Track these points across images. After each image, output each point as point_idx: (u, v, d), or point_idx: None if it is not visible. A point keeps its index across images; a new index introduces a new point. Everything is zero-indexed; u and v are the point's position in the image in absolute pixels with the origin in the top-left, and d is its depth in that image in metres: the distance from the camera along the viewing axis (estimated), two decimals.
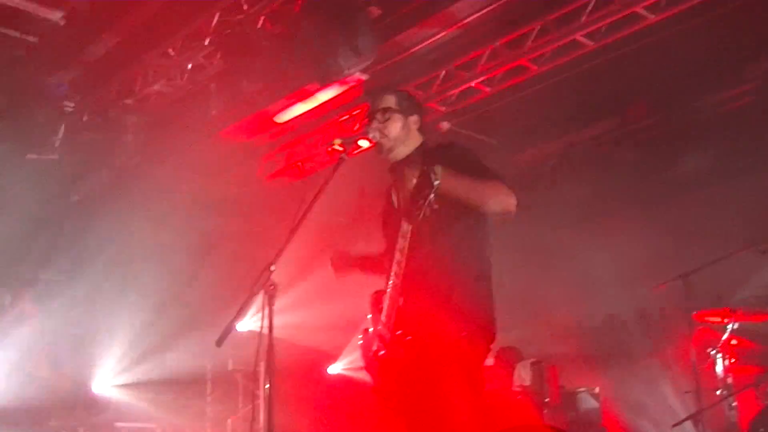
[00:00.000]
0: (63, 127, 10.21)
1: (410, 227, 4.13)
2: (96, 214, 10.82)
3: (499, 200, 4.32)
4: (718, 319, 7.49)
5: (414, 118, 4.69)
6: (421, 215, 4.00)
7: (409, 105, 4.71)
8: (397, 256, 4.19)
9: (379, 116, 4.61)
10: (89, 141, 10.39)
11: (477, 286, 4.42)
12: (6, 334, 8.15)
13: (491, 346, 4.41)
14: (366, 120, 4.71)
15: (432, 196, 3.96)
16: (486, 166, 4.46)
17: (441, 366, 4.19)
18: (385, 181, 4.84)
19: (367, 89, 4.53)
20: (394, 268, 4.23)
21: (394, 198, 4.70)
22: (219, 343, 3.95)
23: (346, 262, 4.90)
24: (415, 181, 4.03)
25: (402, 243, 4.17)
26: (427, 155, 4.55)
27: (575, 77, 9.24)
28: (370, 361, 4.55)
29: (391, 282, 4.29)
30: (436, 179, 3.96)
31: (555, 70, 9.15)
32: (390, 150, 4.61)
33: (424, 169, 4.01)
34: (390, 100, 4.66)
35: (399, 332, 4.30)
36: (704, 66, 8.77)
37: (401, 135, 4.61)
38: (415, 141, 4.68)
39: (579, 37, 8.59)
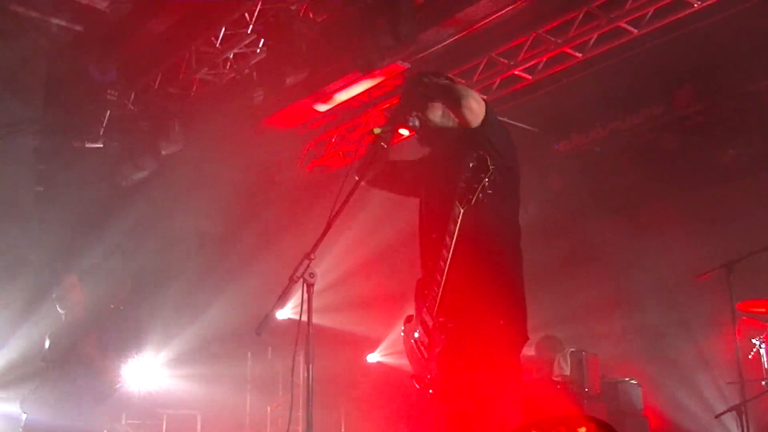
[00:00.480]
0: (107, 115, 10.33)
1: (462, 211, 4.10)
2: (139, 200, 10.94)
3: (475, 101, 4.37)
4: (763, 310, 7.40)
5: None
6: (475, 199, 3.98)
7: None
8: (447, 240, 4.16)
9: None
10: (133, 129, 10.50)
11: (516, 272, 4.42)
12: (54, 317, 8.25)
13: (528, 335, 4.41)
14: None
15: (487, 180, 3.94)
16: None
17: (480, 353, 4.19)
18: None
19: (407, 76, 4.49)
20: (444, 254, 4.21)
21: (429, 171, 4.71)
22: (259, 331, 3.97)
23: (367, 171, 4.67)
24: (472, 164, 4.00)
25: (452, 227, 4.13)
26: (462, 134, 4.55)
27: (619, 64, 9.16)
28: (411, 348, 4.57)
29: (440, 268, 4.27)
30: (493, 164, 3.94)
31: (599, 57, 9.07)
32: (431, 135, 4.62)
33: (480, 154, 3.98)
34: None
35: (441, 319, 4.31)
36: (751, 52, 8.64)
37: (441, 122, 4.60)
38: (456, 124, 4.63)
39: (623, 23, 8.51)
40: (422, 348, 4.44)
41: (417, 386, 4.53)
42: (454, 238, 4.13)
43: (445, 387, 4.35)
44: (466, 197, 4.00)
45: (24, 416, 7.65)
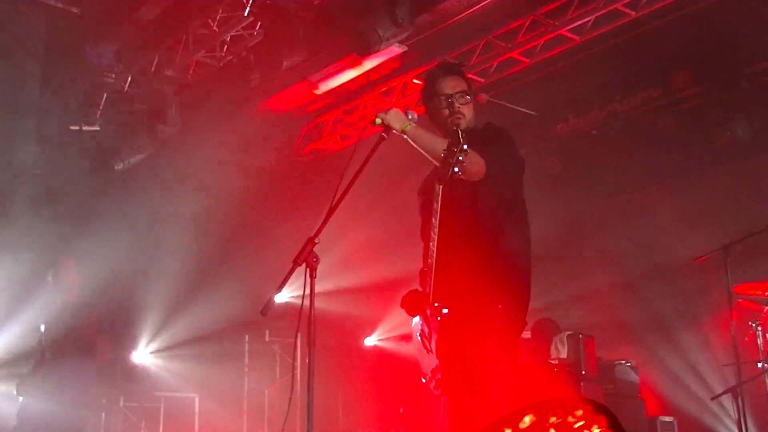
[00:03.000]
0: (104, 98, 10.32)
1: (441, 188, 4.10)
2: (136, 183, 10.94)
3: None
4: (760, 292, 7.42)
5: (474, 103, 4.71)
6: (450, 173, 3.95)
7: (471, 90, 4.73)
8: (433, 221, 4.17)
9: (459, 99, 4.58)
10: (130, 111, 10.48)
11: (514, 256, 4.40)
12: (50, 302, 8.25)
13: (527, 319, 4.41)
14: (442, 99, 4.63)
15: (461, 156, 3.92)
16: (501, 149, 4.44)
17: (476, 338, 4.20)
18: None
19: (440, 63, 4.46)
20: (432, 235, 4.21)
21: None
22: (263, 313, 3.96)
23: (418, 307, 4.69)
24: (448, 142, 3.99)
25: (435, 206, 4.15)
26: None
27: (617, 47, 9.15)
28: (418, 344, 4.57)
29: (431, 252, 4.27)
30: (465, 141, 3.92)
31: (596, 40, 9.06)
32: (464, 130, 4.60)
33: (454, 130, 4.00)
34: (462, 83, 4.66)
35: (436, 304, 4.31)
36: (749, 34, 8.62)
37: (471, 118, 4.62)
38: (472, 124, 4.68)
39: (620, 6, 8.50)
40: (425, 341, 4.45)
41: (423, 381, 4.54)
42: (438, 218, 4.15)
43: (443, 374, 4.36)
44: (442, 174, 4.00)
45: (20, 399, 7.66)
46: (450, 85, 4.65)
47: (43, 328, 7.88)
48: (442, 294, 4.29)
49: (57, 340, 7.72)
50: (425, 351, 4.45)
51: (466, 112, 4.58)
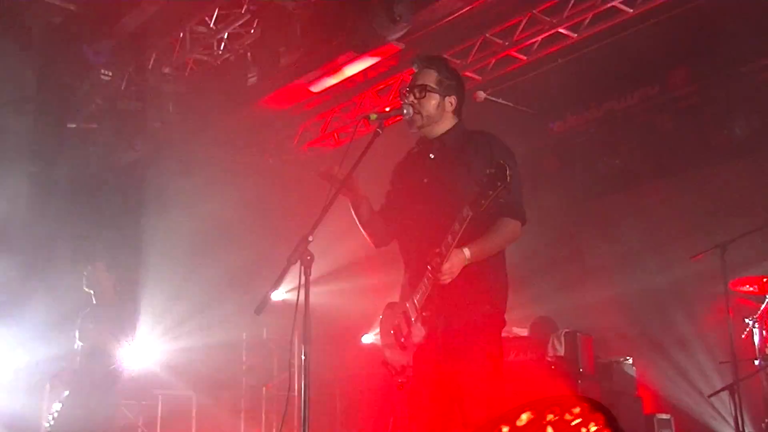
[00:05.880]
0: (101, 96, 10.31)
1: (471, 214, 4.06)
2: (134, 182, 10.92)
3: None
4: (756, 289, 7.44)
5: (451, 99, 4.61)
6: (486, 205, 3.96)
7: (450, 85, 4.62)
8: (448, 238, 4.11)
9: (416, 92, 4.56)
10: (127, 110, 10.47)
11: (499, 256, 4.50)
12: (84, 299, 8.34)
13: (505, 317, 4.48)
14: (404, 91, 4.66)
15: (503, 189, 3.93)
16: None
17: (471, 341, 4.26)
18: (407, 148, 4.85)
19: (415, 55, 4.39)
20: (441, 249, 4.14)
21: (411, 169, 4.73)
22: (258, 311, 3.97)
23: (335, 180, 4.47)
24: (489, 171, 3.97)
25: (458, 227, 4.07)
26: (463, 139, 4.59)
27: (614, 44, 9.15)
28: (388, 335, 4.55)
29: (433, 261, 4.23)
30: (510, 173, 3.91)
31: (593, 38, 9.07)
32: (420, 126, 4.58)
33: (501, 163, 3.96)
34: (430, 77, 4.59)
35: (425, 313, 4.29)
36: (746, 32, 8.63)
37: (435, 114, 4.56)
38: (449, 122, 4.64)
39: (617, 4, 8.51)
40: (401, 338, 4.45)
41: (388, 373, 4.55)
42: (457, 238, 4.12)
43: (425, 378, 4.40)
44: (478, 202, 3.97)
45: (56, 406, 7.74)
46: (415, 76, 4.66)
47: (80, 322, 7.96)
48: (434, 304, 4.30)
49: (87, 344, 7.84)
50: (398, 346, 4.45)
51: (421, 108, 4.55)
